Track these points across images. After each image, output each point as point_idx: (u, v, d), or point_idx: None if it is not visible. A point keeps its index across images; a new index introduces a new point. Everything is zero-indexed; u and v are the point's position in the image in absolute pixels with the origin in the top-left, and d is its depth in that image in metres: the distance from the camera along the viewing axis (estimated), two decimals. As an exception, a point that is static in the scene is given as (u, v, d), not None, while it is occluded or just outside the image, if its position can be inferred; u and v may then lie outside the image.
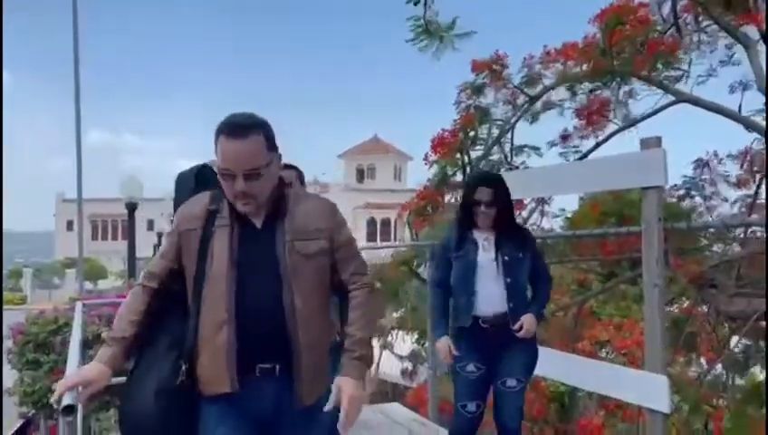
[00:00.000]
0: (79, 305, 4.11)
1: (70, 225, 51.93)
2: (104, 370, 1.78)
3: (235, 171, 1.76)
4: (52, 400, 1.76)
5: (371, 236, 41.09)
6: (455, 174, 7.57)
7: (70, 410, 1.61)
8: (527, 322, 2.81)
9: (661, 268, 2.82)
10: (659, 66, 7.20)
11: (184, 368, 1.80)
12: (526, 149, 8.08)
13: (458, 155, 7.46)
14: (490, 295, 2.83)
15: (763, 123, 7.57)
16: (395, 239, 36.63)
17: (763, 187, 7.54)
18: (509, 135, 8.06)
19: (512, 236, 2.90)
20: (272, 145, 1.84)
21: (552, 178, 3.55)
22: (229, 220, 1.85)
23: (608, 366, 3.31)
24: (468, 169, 7.45)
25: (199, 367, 1.81)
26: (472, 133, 7.51)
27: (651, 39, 7.03)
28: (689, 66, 7.80)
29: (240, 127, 1.77)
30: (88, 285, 33.77)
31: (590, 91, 7.86)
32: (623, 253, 7.28)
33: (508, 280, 2.82)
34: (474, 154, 7.67)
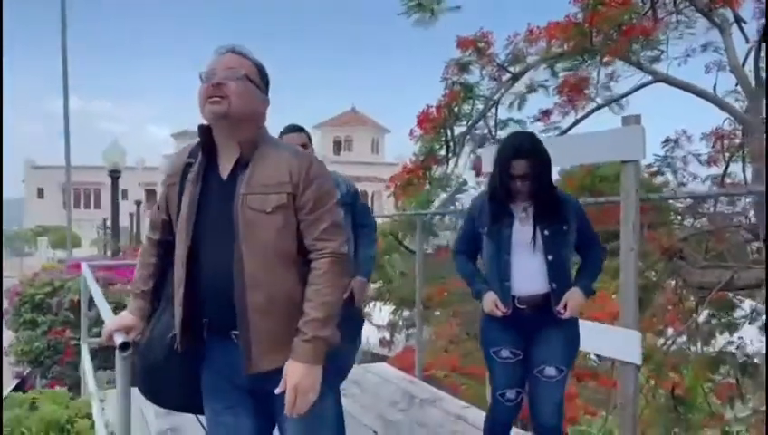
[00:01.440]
0: (85, 266, 4.28)
1: (40, 192, 51.13)
2: (135, 320, 1.87)
3: (216, 69, 1.71)
4: (102, 340, 1.92)
5: (349, 209, 41.25)
6: (440, 148, 7.80)
7: (125, 346, 1.78)
8: (572, 299, 2.51)
9: (637, 234, 3.10)
10: (637, 46, 7.45)
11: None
12: (510, 123, 8.34)
13: (443, 130, 7.67)
14: (528, 275, 2.53)
15: (735, 104, 7.94)
16: (372, 212, 36.87)
17: (734, 164, 7.93)
18: (493, 110, 8.32)
19: (553, 206, 2.54)
20: (262, 81, 1.80)
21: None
22: (196, 172, 1.77)
23: (587, 324, 3.60)
24: (452, 145, 7.70)
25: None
26: (456, 109, 7.71)
27: (629, 24, 7.27)
28: (666, 46, 8.11)
29: (239, 50, 1.78)
30: (61, 254, 33.43)
31: (571, 69, 8.11)
32: (597, 226, 7.59)
33: (549, 257, 2.50)
34: (458, 130, 7.89)
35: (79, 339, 5.57)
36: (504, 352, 2.61)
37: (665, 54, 8.12)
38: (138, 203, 23.01)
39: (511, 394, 2.63)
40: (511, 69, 8.17)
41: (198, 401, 1.85)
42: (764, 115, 5.90)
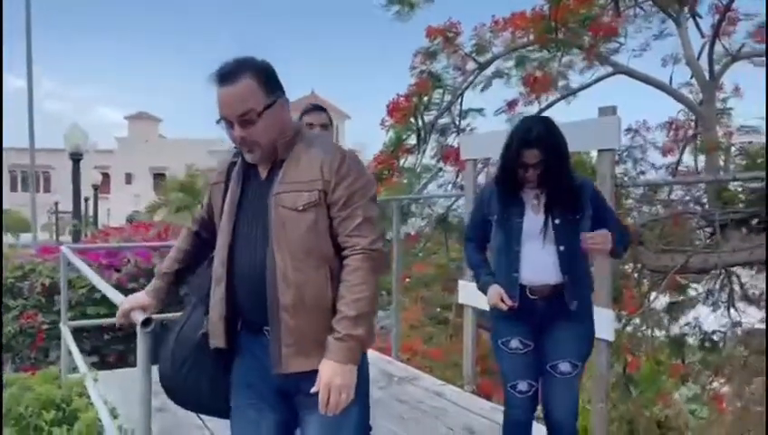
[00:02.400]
0: (65, 248, 4.28)
1: (-14, 176, 49.28)
2: (149, 300, 1.94)
3: (230, 118, 1.68)
4: (117, 322, 1.99)
5: (309, 195, 41.07)
6: (409, 138, 7.93)
7: (147, 322, 1.85)
8: (601, 237, 2.35)
9: (612, 218, 3.31)
10: (599, 40, 7.72)
11: (205, 321, 1.82)
12: (472, 113, 8.54)
13: (412, 119, 7.80)
14: (539, 265, 2.41)
15: (690, 96, 8.32)
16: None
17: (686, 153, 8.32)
18: (458, 100, 8.50)
19: (567, 193, 2.41)
20: (271, 88, 1.71)
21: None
22: (239, 172, 1.80)
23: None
24: (422, 134, 7.85)
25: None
26: (426, 98, 7.85)
27: (593, 19, 7.52)
28: (625, 39, 8.43)
29: (228, 72, 1.68)
30: (10, 239, 32.42)
31: (535, 61, 8.35)
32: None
33: (561, 248, 2.38)
34: (427, 118, 8.03)
35: (50, 323, 5.54)
36: (514, 343, 2.50)
37: (624, 47, 8.46)
38: (95, 187, 22.45)
39: (522, 386, 2.50)
40: (477, 58, 8.35)
41: (216, 405, 1.88)
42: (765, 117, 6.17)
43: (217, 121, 1.71)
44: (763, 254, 5.79)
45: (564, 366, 2.44)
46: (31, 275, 5.66)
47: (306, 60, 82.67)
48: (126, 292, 5.75)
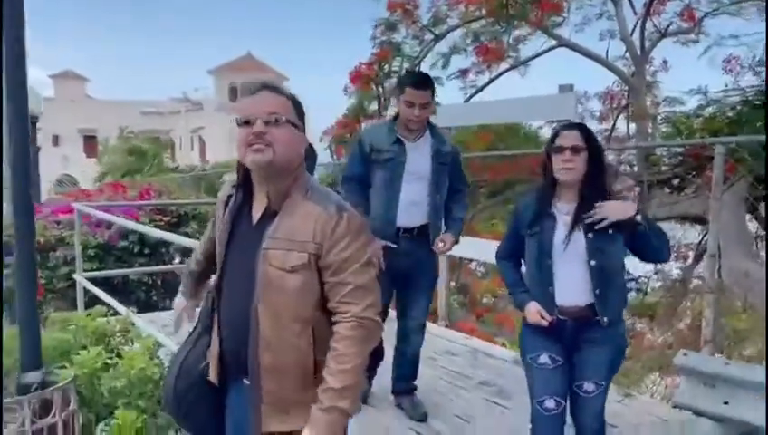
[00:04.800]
0: (78, 205, 4.68)
1: None
2: (184, 300, 1.99)
3: (255, 114, 1.59)
4: (173, 330, 2.07)
5: (248, 158, 40.70)
6: (371, 104, 8.49)
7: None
8: (620, 206, 2.30)
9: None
10: (545, 15, 8.43)
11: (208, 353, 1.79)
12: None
13: (374, 87, 8.34)
14: (570, 283, 2.36)
15: (624, 68, 9.18)
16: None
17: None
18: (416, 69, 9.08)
19: (602, 199, 2.31)
20: (300, 117, 1.68)
21: (489, 110, 4.64)
22: (231, 210, 1.72)
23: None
24: (383, 100, 8.43)
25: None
26: (387, 67, 8.40)
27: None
28: (568, 14, 9.17)
29: (272, 86, 1.68)
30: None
31: (486, 33, 8.99)
32: (509, 174, 8.63)
33: (592, 263, 2.31)
34: (387, 85, 8.60)
35: (46, 278, 5.89)
36: (543, 358, 2.43)
37: (566, 22, 9.22)
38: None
39: (550, 403, 2.41)
40: (433, 30, 8.94)
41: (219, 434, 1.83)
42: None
43: (238, 122, 1.62)
44: (682, 208, 6.72)
45: (589, 386, 2.42)
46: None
47: (243, 20, 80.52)
48: (118, 250, 6.12)
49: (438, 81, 9.23)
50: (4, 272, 5.78)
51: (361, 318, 1.58)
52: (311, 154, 1.76)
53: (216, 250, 1.78)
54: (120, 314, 3.80)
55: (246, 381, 1.66)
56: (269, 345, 1.60)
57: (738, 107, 7.22)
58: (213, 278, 1.82)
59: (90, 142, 39.24)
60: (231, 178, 1.80)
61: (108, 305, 4.03)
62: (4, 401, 2.44)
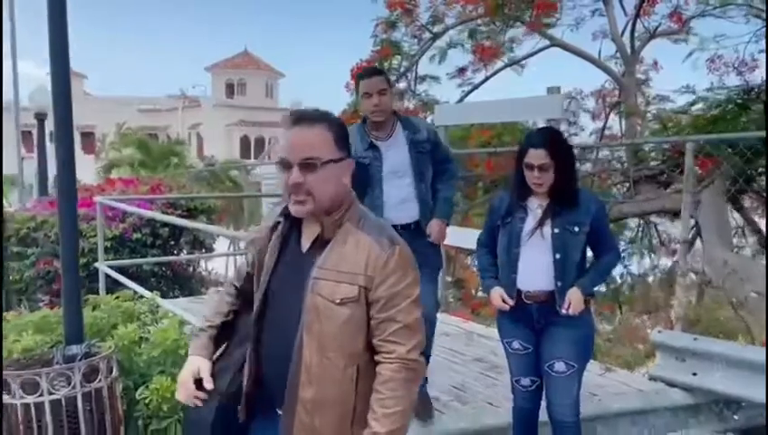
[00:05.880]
0: (100, 199, 5.02)
1: None
2: (199, 359, 1.72)
3: (291, 160, 1.54)
4: (185, 399, 1.74)
5: (245, 154, 41.00)
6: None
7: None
8: (571, 297, 2.53)
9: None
10: (540, 15, 8.76)
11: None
12: (428, 79, 9.51)
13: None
14: (535, 271, 2.58)
15: (615, 68, 9.53)
16: (269, 158, 36.97)
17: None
18: (414, 67, 9.42)
19: (570, 205, 2.55)
20: (342, 145, 1.60)
21: (483, 110, 5.01)
22: (279, 236, 1.66)
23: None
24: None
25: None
26: (387, 64, 8.72)
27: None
28: (560, 13, 9.50)
29: (306, 116, 1.59)
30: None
31: (483, 33, 9.33)
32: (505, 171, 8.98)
33: (557, 256, 2.54)
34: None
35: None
36: (515, 344, 2.70)
37: (559, 22, 9.56)
38: (38, 146, 22.01)
39: (525, 381, 2.73)
40: (432, 29, 9.27)
41: None
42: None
43: (276, 163, 1.61)
44: (665, 202, 7.07)
45: (559, 366, 2.59)
46: (43, 225, 6.29)
47: (240, 17, 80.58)
48: (132, 242, 6.46)
49: (436, 80, 9.60)
50: (24, 262, 6.14)
51: (407, 360, 1.54)
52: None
53: (250, 282, 1.72)
54: (138, 298, 4.15)
55: (279, 412, 1.60)
56: (312, 378, 1.54)
57: (722, 105, 7.57)
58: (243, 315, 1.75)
59: (87, 139, 39.37)
60: (277, 207, 1.76)
61: (130, 290, 4.37)
62: (58, 367, 2.79)
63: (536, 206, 2.61)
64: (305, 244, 1.64)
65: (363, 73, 3.11)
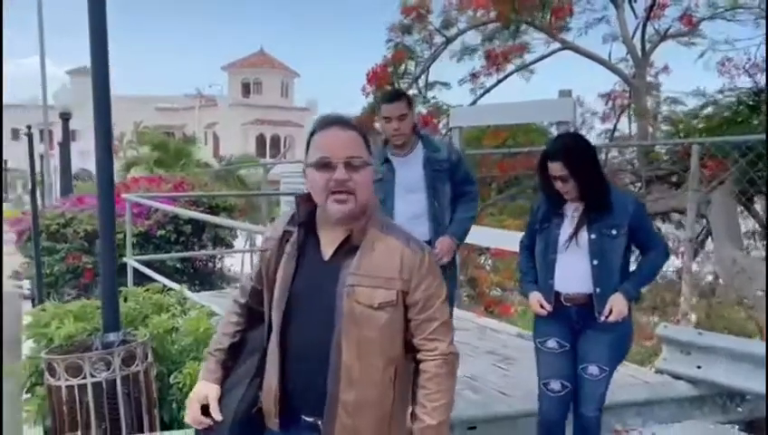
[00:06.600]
0: (130, 196, 5.23)
1: None
2: (208, 385, 1.73)
3: (335, 158, 1.54)
4: (194, 423, 1.73)
5: (261, 153, 41.31)
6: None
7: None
8: (614, 304, 2.49)
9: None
10: (557, 21, 8.93)
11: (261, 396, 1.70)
12: (438, 85, 9.73)
13: (389, 87, 8.86)
14: (572, 277, 2.57)
15: (625, 70, 9.65)
16: (284, 157, 37.28)
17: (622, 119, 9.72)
18: (426, 72, 9.64)
19: (605, 208, 2.51)
20: (370, 152, 1.63)
21: (496, 112, 5.20)
22: (296, 245, 1.65)
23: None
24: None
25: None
26: (402, 68, 8.94)
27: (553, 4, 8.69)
28: (571, 17, 9.64)
29: (342, 120, 1.63)
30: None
31: (494, 38, 9.50)
32: (519, 170, 9.13)
33: (594, 262, 2.51)
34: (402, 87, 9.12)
35: (92, 263, 6.47)
36: (551, 343, 2.64)
37: (570, 26, 9.71)
38: (61, 144, 22.36)
39: (555, 385, 2.61)
40: (444, 33, 9.46)
41: None
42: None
43: (313, 168, 1.57)
44: (676, 202, 7.20)
45: (593, 369, 2.58)
46: (72, 222, 6.53)
47: (256, 17, 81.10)
48: (157, 239, 6.69)
49: (447, 86, 9.82)
50: (54, 257, 6.38)
51: (448, 354, 1.61)
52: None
53: (261, 288, 1.72)
54: (166, 291, 4.36)
55: (307, 419, 1.62)
56: (353, 381, 1.57)
57: (734, 107, 7.68)
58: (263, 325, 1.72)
59: (105, 138, 39.84)
60: (283, 216, 1.77)
61: (159, 283, 4.58)
62: (99, 352, 3.00)
63: (572, 211, 2.59)
64: (327, 251, 1.63)
65: (385, 98, 3.12)
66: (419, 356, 1.61)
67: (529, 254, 2.75)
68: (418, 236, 2.86)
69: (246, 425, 1.68)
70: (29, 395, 3.38)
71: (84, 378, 2.92)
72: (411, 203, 3.00)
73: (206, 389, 1.71)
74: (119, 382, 2.98)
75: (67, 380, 2.91)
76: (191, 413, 1.70)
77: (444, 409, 1.59)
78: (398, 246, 1.60)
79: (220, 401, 1.69)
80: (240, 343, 1.78)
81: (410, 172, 3.01)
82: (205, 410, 1.69)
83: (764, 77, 8.26)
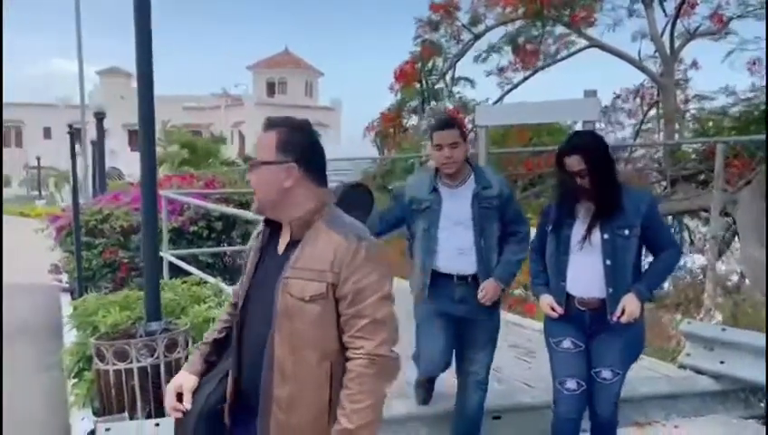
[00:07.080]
0: (166, 193, 5.42)
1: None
2: (186, 375, 1.76)
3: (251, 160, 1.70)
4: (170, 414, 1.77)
5: (286, 153, 41.51)
6: (412, 99, 9.15)
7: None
8: (627, 304, 2.47)
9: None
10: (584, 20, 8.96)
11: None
12: (462, 81, 9.83)
13: (417, 84, 8.99)
14: (584, 279, 2.54)
15: (654, 68, 9.63)
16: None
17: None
18: (453, 68, 9.73)
19: (618, 208, 2.48)
20: (285, 149, 1.60)
21: (522, 111, 5.29)
22: (259, 242, 1.71)
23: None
24: (427, 95, 9.07)
25: None
26: (430, 65, 9.05)
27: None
28: (599, 13, 9.65)
29: (269, 122, 1.66)
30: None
31: (523, 35, 9.56)
32: (540, 169, 9.19)
33: (607, 262, 2.48)
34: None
35: (128, 258, 6.68)
36: (566, 343, 2.62)
37: (597, 22, 9.71)
38: (93, 143, 22.83)
39: (571, 384, 2.60)
40: (472, 29, 9.54)
41: None
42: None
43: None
44: (702, 202, 7.20)
45: (606, 373, 2.58)
46: (109, 218, 6.76)
47: (281, 16, 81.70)
48: (189, 235, 6.86)
49: (472, 83, 9.90)
50: (92, 251, 6.61)
51: (375, 355, 1.53)
52: (362, 200, 1.83)
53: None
54: (202, 284, 4.53)
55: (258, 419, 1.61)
56: (286, 377, 1.56)
57: (762, 106, 7.65)
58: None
59: (134, 136, 40.59)
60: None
61: (195, 277, 4.76)
62: (144, 338, 3.17)
63: (584, 212, 2.55)
64: (281, 247, 1.66)
65: (437, 125, 3.01)
66: (347, 354, 1.56)
67: (539, 257, 2.73)
68: (464, 270, 2.93)
69: (213, 419, 1.69)
70: (76, 380, 3.57)
71: (131, 363, 3.10)
72: (458, 236, 2.91)
73: (182, 379, 1.75)
74: (162, 368, 3.15)
75: (115, 364, 3.10)
76: (166, 400, 1.73)
77: (366, 412, 1.52)
78: (335, 238, 1.57)
79: (195, 392, 1.72)
80: (226, 338, 1.79)
81: (458, 206, 2.91)
82: (180, 398, 1.72)
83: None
